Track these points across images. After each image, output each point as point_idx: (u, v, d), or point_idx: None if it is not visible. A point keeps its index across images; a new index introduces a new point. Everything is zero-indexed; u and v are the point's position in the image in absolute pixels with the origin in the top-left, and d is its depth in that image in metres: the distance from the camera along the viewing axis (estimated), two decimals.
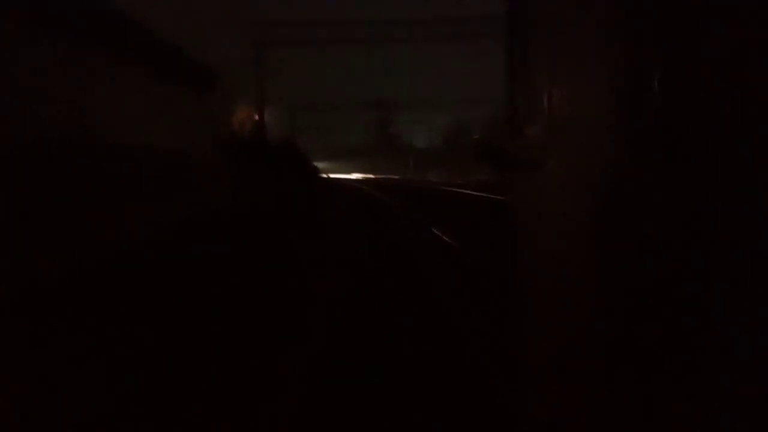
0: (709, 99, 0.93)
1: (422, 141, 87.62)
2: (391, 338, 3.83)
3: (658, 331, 1.07)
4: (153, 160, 8.47)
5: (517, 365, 2.09)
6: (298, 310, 4.61)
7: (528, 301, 2.00)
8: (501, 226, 9.44)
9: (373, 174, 79.47)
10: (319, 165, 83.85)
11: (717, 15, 0.94)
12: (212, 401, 2.66)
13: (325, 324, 4.07)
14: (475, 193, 24.74)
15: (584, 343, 1.44)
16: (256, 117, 23.73)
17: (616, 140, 1.24)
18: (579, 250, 1.48)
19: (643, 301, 1.10)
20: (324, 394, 2.79)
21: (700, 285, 0.96)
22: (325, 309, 4.55)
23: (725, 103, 0.91)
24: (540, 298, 1.88)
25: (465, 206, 18.85)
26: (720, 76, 0.92)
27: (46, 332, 3.55)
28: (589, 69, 1.37)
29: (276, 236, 9.35)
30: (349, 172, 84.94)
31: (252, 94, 26.25)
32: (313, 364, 3.15)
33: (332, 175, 75.17)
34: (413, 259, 8.07)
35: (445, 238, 10.36)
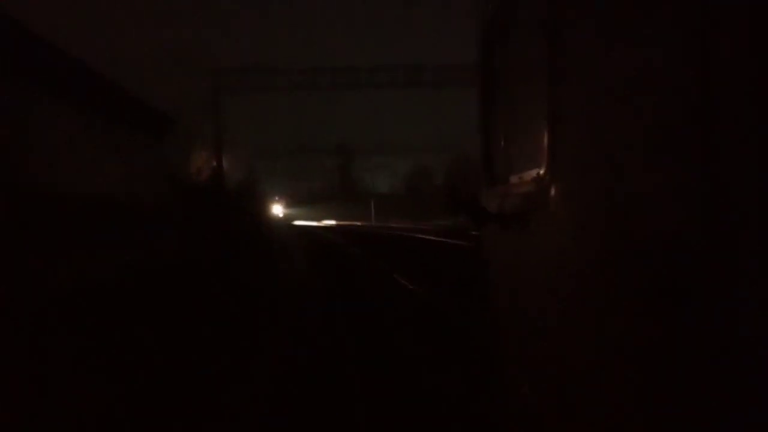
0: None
1: (384, 186, 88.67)
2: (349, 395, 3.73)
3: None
4: (101, 207, 8.21)
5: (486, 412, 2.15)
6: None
7: (505, 353, 2.04)
8: (465, 273, 9.51)
9: (335, 220, 79.36)
10: (279, 211, 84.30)
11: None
12: None
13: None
14: (437, 239, 24.92)
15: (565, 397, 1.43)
16: (214, 163, 23.50)
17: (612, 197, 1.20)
18: (572, 305, 1.43)
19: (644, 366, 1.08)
20: None
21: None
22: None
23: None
24: (517, 352, 1.90)
25: (428, 252, 18.91)
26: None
27: None
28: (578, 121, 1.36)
29: (221, 288, 8.90)
30: (310, 219, 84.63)
31: (210, 140, 26.11)
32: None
33: (295, 222, 75.03)
34: (376, 308, 7.93)
35: (407, 284, 10.33)
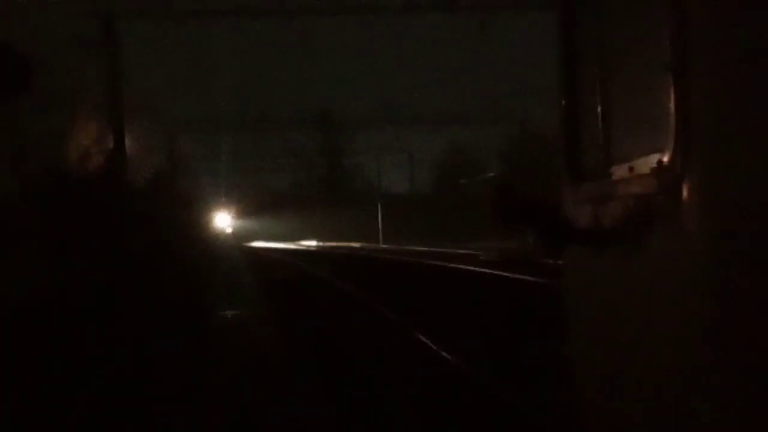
0: None
1: (397, 181, 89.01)
2: None
3: None
4: None
5: None
6: None
7: None
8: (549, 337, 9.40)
9: (316, 240, 79.29)
10: (227, 223, 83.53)
11: None
12: None
13: None
14: (488, 271, 24.98)
15: None
16: (111, 143, 23.72)
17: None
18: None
19: None
20: None
21: None
22: None
23: None
24: None
25: (477, 295, 18.95)
26: None
27: None
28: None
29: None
30: (276, 237, 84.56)
31: (105, 104, 26.29)
32: None
33: (251, 243, 74.91)
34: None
35: (447, 356, 10.33)
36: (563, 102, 2.61)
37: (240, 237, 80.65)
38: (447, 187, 77.36)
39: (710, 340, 1.64)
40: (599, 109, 2.29)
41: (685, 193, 1.67)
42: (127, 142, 24.80)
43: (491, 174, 66.13)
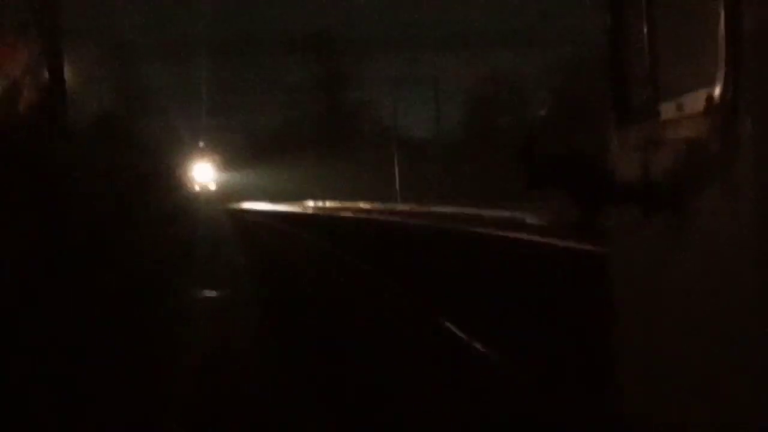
0: None
1: (418, 122, 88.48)
2: None
3: None
4: None
5: None
6: None
7: None
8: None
9: (314, 199, 79.07)
10: (208, 177, 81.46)
11: None
12: None
13: None
14: (538, 240, 25.01)
15: None
16: (46, 71, 23.79)
17: None
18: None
19: None
20: None
21: None
22: None
23: None
24: None
25: (521, 273, 19.05)
26: None
27: None
28: None
29: None
30: (265, 197, 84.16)
31: (35, 20, 26.30)
32: None
33: (243, 205, 73.97)
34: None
35: (484, 351, 10.42)
36: (609, 23, 2.66)
37: (228, 196, 79.76)
38: (483, 129, 76.97)
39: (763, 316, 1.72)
40: (645, 33, 2.34)
41: (737, 135, 1.72)
42: (68, 73, 24.82)
43: (541, 112, 65.81)
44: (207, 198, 66.12)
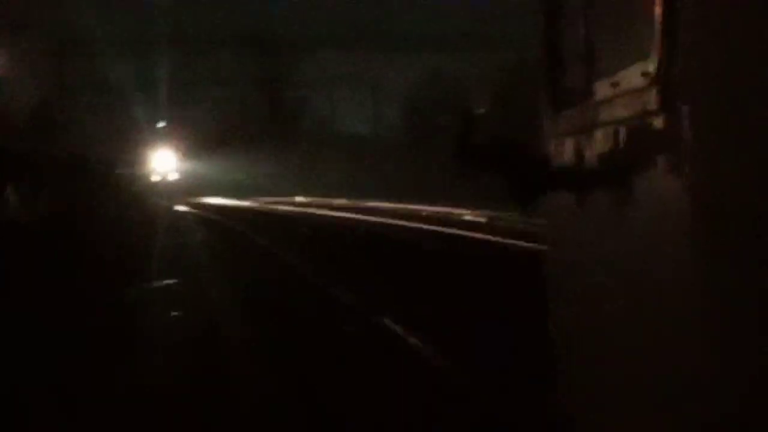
0: None
1: (357, 119, 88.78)
2: None
3: None
4: None
5: None
6: None
7: None
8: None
9: (263, 197, 77.63)
10: (171, 168, 79.72)
11: None
12: None
13: None
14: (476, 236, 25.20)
15: None
16: None
17: None
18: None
19: None
20: None
21: None
22: None
23: None
24: None
25: (458, 270, 19.14)
26: None
27: None
28: None
29: None
30: (220, 192, 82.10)
31: None
32: None
33: (205, 199, 72.34)
34: None
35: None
36: (542, 10, 2.63)
37: (190, 191, 76.34)
38: (423, 128, 77.45)
39: (705, 302, 1.69)
40: (581, 16, 2.30)
41: (673, 113, 1.67)
42: (7, 66, 24.57)
43: (480, 110, 65.98)
44: (171, 195, 64.25)
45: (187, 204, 60.40)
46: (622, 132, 1.94)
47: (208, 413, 8.76)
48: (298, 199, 68.06)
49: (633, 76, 1.87)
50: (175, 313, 14.66)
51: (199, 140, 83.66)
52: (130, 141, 52.66)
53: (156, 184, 66.59)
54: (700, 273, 1.71)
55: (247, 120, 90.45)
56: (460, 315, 13.37)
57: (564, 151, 2.46)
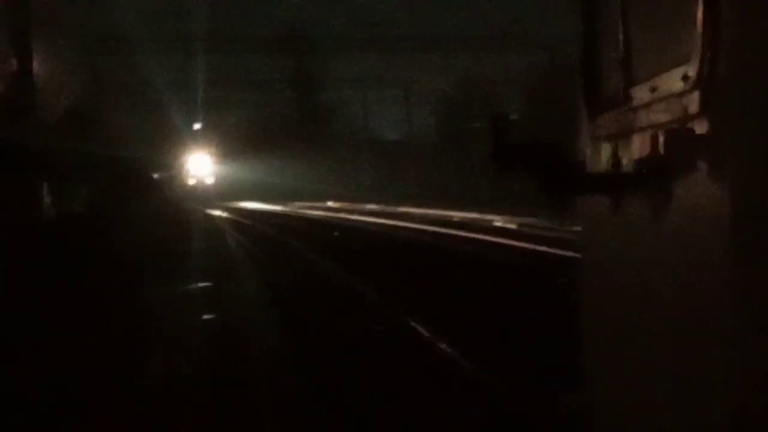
0: None
1: (390, 125, 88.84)
2: None
3: None
4: None
5: None
6: None
7: None
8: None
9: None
10: (207, 173, 79.25)
11: None
12: None
13: None
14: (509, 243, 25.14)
15: None
16: (15, 62, 23.68)
17: None
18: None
19: None
20: None
21: None
22: None
23: None
24: None
25: (491, 276, 19.12)
26: None
27: None
28: None
29: None
30: (254, 196, 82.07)
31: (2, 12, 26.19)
32: None
33: (245, 204, 71.42)
34: None
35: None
36: (580, 12, 2.61)
37: (226, 196, 74.76)
38: (454, 131, 77.32)
39: (745, 311, 1.68)
40: (619, 17, 2.29)
41: (716, 117, 1.65)
42: (36, 65, 24.66)
43: (513, 116, 65.95)
44: (207, 200, 63.29)
45: (223, 209, 60.18)
46: (661, 136, 1.91)
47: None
48: (330, 203, 68.10)
49: (673, 80, 1.86)
50: (208, 317, 14.72)
51: (233, 144, 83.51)
52: (166, 143, 52.55)
53: (193, 188, 66.06)
54: (741, 281, 1.68)
55: (280, 123, 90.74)
56: (483, 323, 13.50)
57: (601, 156, 2.44)
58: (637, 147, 2.12)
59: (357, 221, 48.23)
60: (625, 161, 2.24)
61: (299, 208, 66.74)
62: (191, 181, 67.32)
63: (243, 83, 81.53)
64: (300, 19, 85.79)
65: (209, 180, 74.41)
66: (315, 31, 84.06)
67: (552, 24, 54.35)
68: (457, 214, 45.45)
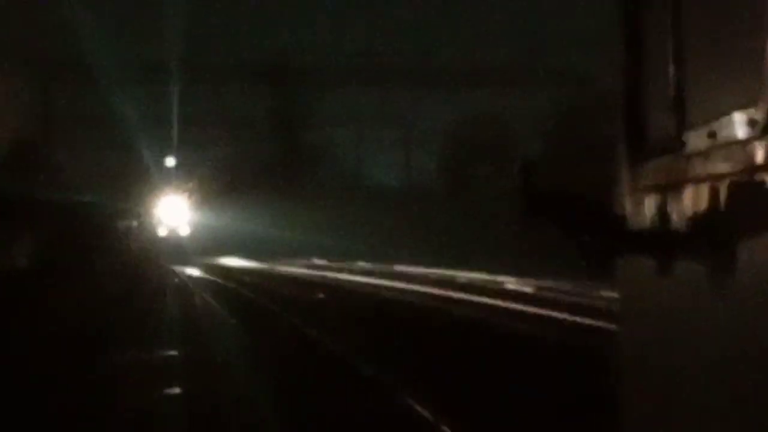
0: None
1: (392, 172, 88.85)
2: None
3: None
4: None
5: None
6: None
7: None
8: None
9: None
10: (181, 220, 77.47)
11: None
12: None
13: None
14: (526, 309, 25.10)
15: None
16: None
17: None
18: None
19: None
20: None
21: None
22: None
23: None
24: None
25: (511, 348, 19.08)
26: None
27: None
28: None
29: None
30: (235, 251, 79.81)
31: None
32: None
33: (220, 260, 68.86)
34: None
35: None
36: (623, 48, 2.64)
37: (203, 249, 71.08)
38: (461, 177, 77.45)
39: None
40: (671, 55, 2.29)
41: None
42: None
43: (531, 159, 65.98)
44: (178, 254, 61.28)
45: (200, 266, 57.56)
46: (722, 189, 1.91)
47: None
48: (316, 261, 67.71)
49: (735, 125, 1.86)
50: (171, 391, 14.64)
51: (212, 186, 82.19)
52: (134, 186, 51.96)
53: (165, 239, 64.50)
54: None
55: (262, 166, 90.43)
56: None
57: (645, 210, 2.44)
58: (691, 200, 2.12)
59: (344, 280, 48.19)
60: (674, 216, 2.24)
61: (284, 264, 66.59)
62: (162, 231, 66.13)
63: (222, 119, 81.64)
64: (285, 50, 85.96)
65: (184, 230, 72.51)
66: (305, 63, 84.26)
67: (578, 54, 54.58)
68: (462, 275, 45.30)
